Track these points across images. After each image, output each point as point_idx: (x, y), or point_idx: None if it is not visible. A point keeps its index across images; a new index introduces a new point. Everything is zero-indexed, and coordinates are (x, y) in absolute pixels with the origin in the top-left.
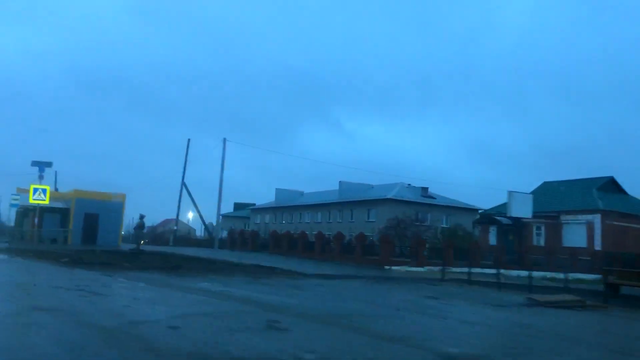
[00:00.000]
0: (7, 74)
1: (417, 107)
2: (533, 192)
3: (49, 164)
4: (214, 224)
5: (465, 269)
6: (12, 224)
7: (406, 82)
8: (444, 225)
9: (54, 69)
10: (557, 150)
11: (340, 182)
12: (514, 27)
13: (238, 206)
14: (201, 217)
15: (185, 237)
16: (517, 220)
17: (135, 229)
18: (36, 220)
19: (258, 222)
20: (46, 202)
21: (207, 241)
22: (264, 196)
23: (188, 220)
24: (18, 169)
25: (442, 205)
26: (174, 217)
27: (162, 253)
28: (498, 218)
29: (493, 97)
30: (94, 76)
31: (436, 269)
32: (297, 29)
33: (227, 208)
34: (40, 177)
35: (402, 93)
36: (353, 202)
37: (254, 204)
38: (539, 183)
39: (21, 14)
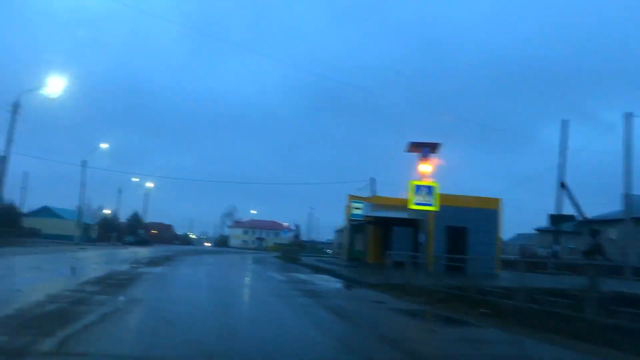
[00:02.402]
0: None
1: None
2: None
3: (435, 147)
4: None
5: None
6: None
7: None
8: None
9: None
10: None
11: None
12: None
13: (555, 219)
14: (588, 224)
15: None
16: None
17: (588, 251)
18: (423, 237)
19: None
20: (435, 207)
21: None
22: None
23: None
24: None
25: None
26: None
27: None
28: None
29: None
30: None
31: None
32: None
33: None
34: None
35: None
36: None
37: (572, 216)
38: None
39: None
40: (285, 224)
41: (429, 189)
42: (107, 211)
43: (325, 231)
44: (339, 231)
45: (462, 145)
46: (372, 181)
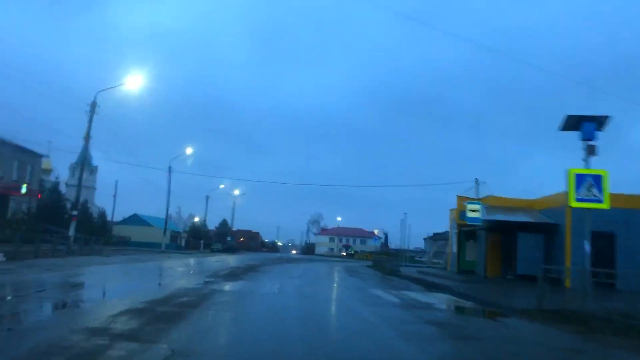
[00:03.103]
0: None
1: None
2: None
3: (603, 122)
4: None
5: None
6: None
7: None
8: None
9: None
10: None
11: None
12: None
13: None
14: None
15: None
16: None
17: None
18: (588, 246)
19: None
20: (606, 205)
21: None
22: None
23: None
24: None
25: None
26: None
27: None
28: None
29: None
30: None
31: None
32: None
33: None
34: (590, 150)
35: None
36: None
37: None
38: None
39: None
40: (376, 230)
41: (597, 179)
42: (196, 219)
43: (412, 239)
44: (431, 239)
45: (550, 149)
46: (477, 182)
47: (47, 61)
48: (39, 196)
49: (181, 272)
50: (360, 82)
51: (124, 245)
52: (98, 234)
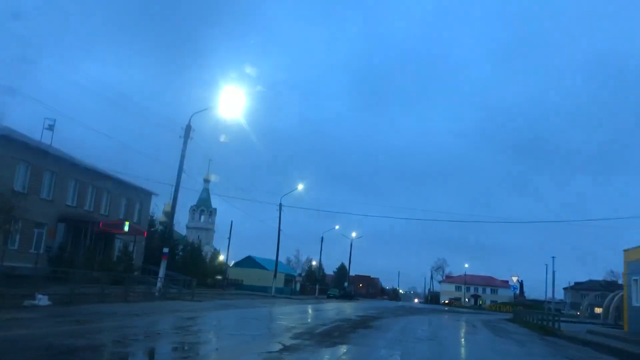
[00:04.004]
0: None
1: None
2: None
3: None
4: None
5: None
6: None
7: None
8: None
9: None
10: None
11: None
12: None
13: None
14: None
15: None
16: None
17: None
18: None
19: None
20: None
21: None
22: None
23: None
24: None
25: None
26: None
27: None
28: None
29: None
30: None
31: None
32: None
33: None
34: None
35: None
36: None
37: None
38: None
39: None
40: (515, 278)
41: None
42: (313, 263)
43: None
44: (573, 289)
45: None
46: None
47: (167, 109)
48: (145, 234)
49: (268, 326)
50: (473, 123)
51: (235, 288)
52: (208, 276)
